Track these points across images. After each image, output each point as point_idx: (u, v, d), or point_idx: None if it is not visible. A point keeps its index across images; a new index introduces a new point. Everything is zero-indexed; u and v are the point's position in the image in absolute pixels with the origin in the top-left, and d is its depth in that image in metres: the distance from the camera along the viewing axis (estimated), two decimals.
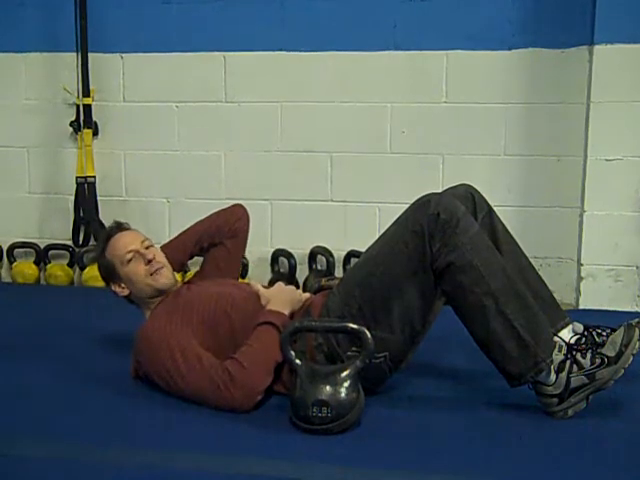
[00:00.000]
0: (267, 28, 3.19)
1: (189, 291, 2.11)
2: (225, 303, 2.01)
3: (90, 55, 3.29)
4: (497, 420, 1.82)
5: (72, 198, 3.37)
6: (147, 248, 2.12)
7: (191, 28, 3.25)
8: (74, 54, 3.29)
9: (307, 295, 2.08)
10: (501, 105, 3.07)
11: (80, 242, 3.40)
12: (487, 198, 2.06)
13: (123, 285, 2.12)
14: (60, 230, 3.45)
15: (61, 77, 3.35)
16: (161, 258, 2.13)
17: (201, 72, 3.27)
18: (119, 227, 2.19)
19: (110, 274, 2.13)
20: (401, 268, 1.83)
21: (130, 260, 2.08)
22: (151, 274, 2.08)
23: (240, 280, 2.41)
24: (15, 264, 3.45)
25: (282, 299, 1.99)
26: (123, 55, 3.33)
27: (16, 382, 2.09)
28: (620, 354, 1.75)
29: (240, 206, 2.38)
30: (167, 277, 2.11)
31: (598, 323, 1.95)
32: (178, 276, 2.33)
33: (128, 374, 2.05)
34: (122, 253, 2.09)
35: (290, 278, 3.20)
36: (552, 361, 1.78)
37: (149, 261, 2.08)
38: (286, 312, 1.95)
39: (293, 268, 3.23)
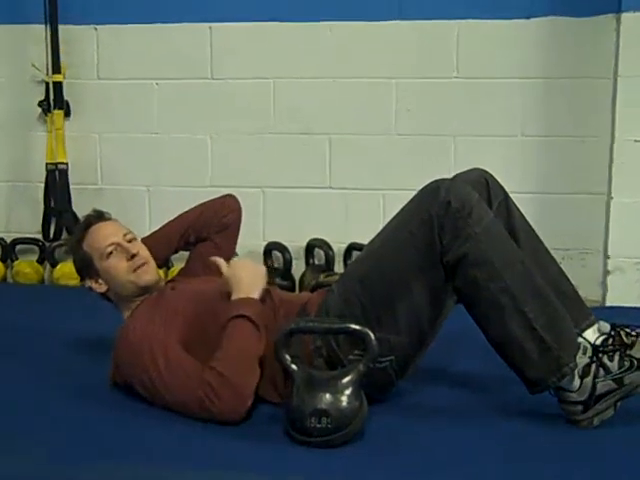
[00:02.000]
0: None
1: (173, 290, 2.11)
2: (213, 303, 2.01)
3: (60, 27, 3.28)
4: (515, 431, 1.82)
5: (42, 187, 3.37)
6: (130, 241, 2.12)
7: None
8: (42, 26, 3.28)
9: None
10: (518, 80, 3.07)
11: (51, 236, 3.39)
12: (503, 184, 2.05)
13: (100, 281, 2.12)
14: (28, 222, 3.45)
15: (28, 52, 3.35)
16: (145, 253, 2.12)
17: (184, 45, 3.27)
18: (99, 216, 2.18)
19: (86, 268, 2.12)
20: (408, 262, 1.83)
21: (110, 254, 2.08)
22: (134, 270, 2.07)
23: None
24: None
25: (246, 281, 1.95)
26: (97, 27, 3.32)
27: None
28: None
29: (232, 197, 2.38)
30: (151, 274, 2.11)
31: (626, 322, 1.95)
32: (161, 272, 2.33)
33: (106, 381, 2.05)
34: (102, 245, 2.09)
35: (285, 274, 3.20)
36: (576, 365, 1.78)
37: (132, 256, 2.08)
38: (255, 295, 1.93)
39: (288, 263, 3.23)
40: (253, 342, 1.85)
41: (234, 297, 1.93)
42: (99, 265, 2.09)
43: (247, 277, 1.97)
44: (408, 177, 2.99)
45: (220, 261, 2.05)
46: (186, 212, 2.37)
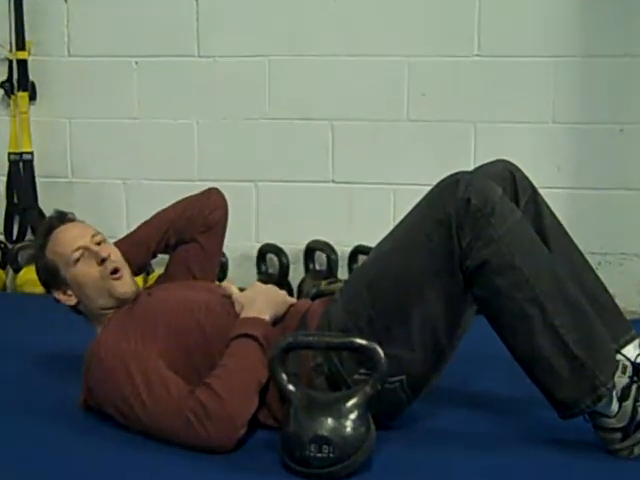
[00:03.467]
0: None
1: (150, 298, 2.12)
2: (197, 311, 2.02)
3: None
4: (543, 461, 1.81)
5: (3, 180, 3.38)
6: (99, 244, 2.12)
7: None
8: None
9: (293, 300, 2.08)
10: (549, 59, 3.07)
11: (14, 237, 3.40)
12: (531, 178, 2.06)
13: (69, 292, 2.12)
14: None
15: None
16: (117, 257, 2.13)
17: (167, 18, 3.28)
18: (62, 218, 2.19)
19: (52, 278, 2.13)
20: (422, 267, 1.83)
21: (78, 260, 2.08)
22: (105, 277, 2.08)
23: (217, 284, 2.41)
24: None
25: (260, 302, 1.99)
26: None
27: None
28: None
29: (216, 191, 2.38)
30: (127, 286, 2.11)
31: None
32: (138, 280, 2.32)
33: (75, 404, 2.05)
34: (67, 251, 2.09)
35: (280, 281, 3.20)
36: (614, 385, 1.78)
37: (102, 260, 2.08)
38: (266, 317, 1.95)
39: (285, 268, 3.23)
40: (258, 365, 1.86)
41: (243, 315, 1.96)
42: (66, 274, 2.10)
43: (263, 299, 2.01)
44: (422, 170, 3.01)
45: (230, 286, 2.10)
46: (165, 210, 2.37)
